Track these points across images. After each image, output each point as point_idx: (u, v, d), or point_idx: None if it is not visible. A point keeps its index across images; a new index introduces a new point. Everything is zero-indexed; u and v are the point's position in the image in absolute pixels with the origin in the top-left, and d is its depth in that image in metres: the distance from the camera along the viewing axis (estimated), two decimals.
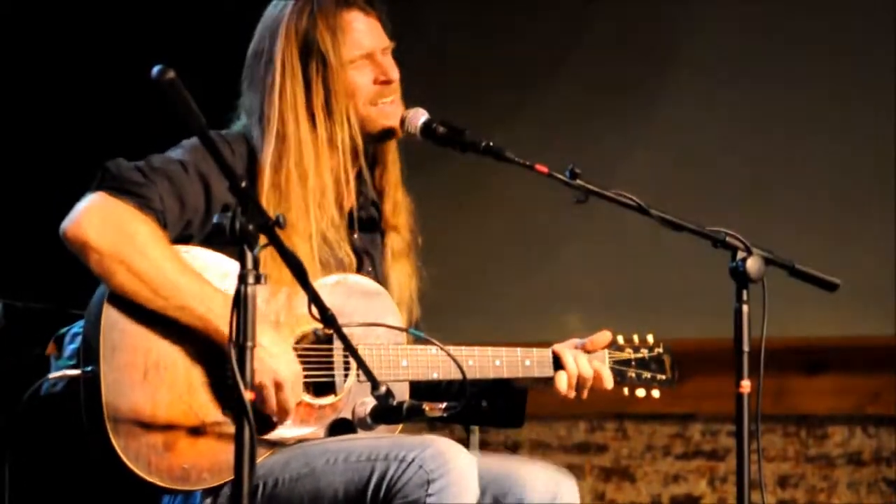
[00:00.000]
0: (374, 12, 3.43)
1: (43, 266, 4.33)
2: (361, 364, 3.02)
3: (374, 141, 3.44)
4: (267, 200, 3.28)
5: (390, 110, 3.41)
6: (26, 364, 3.39)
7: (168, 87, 2.60)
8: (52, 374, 3.16)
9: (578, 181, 3.30)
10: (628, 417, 6.33)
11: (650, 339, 3.66)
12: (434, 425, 5.38)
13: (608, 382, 3.52)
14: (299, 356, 3.22)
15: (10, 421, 3.21)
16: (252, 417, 2.64)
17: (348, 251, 3.40)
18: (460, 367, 3.26)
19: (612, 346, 3.59)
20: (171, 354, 3.13)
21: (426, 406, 3.10)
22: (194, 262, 3.17)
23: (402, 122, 3.41)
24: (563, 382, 3.47)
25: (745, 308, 3.26)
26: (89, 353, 3.09)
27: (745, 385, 3.24)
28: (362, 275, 3.40)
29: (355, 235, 3.45)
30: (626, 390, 3.61)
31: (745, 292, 3.27)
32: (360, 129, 3.39)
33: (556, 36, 6.28)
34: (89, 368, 3.08)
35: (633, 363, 3.61)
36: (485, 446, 4.70)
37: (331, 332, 3.11)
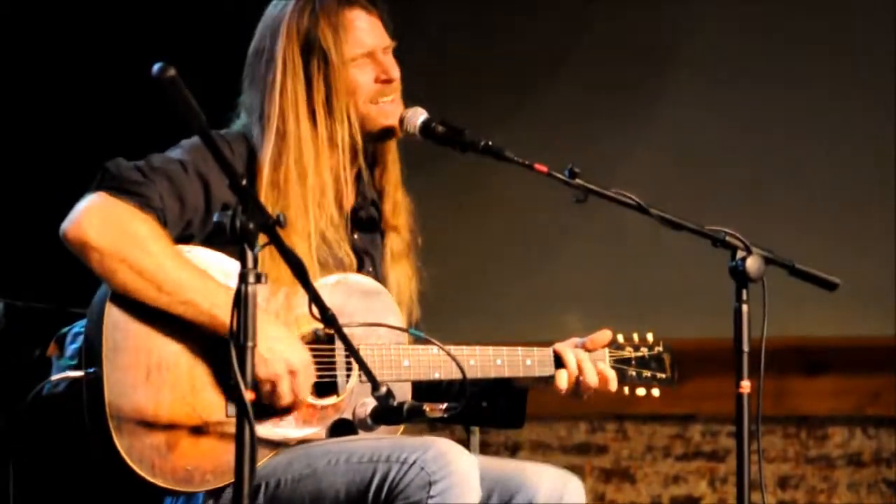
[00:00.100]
0: (375, 11, 3.43)
1: (43, 266, 4.33)
2: (362, 364, 3.02)
3: (374, 140, 3.44)
4: (265, 198, 3.28)
5: (390, 109, 3.41)
6: (27, 364, 3.39)
7: (168, 84, 2.60)
8: (55, 376, 3.16)
9: (578, 181, 3.30)
10: (628, 418, 6.33)
11: (650, 337, 3.65)
12: (435, 426, 5.38)
13: (613, 384, 3.52)
14: None
15: (13, 422, 3.21)
16: (252, 417, 2.64)
17: (348, 251, 3.39)
18: (460, 367, 3.26)
19: (612, 344, 3.59)
20: (174, 354, 3.13)
21: (427, 407, 3.10)
22: (196, 262, 3.17)
23: (402, 121, 3.41)
24: (563, 381, 3.47)
25: (745, 308, 3.26)
26: (92, 354, 3.08)
27: (745, 385, 3.24)
28: (363, 275, 3.40)
29: (355, 235, 3.45)
30: (626, 389, 3.61)
31: (744, 292, 3.27)
32: (360, 128, 3.39)
33: (556, 36, 6.28)
34: (92, 369, 3.07)
35: (633, 362, 3.62)
36: (485, 447, 4.71)
37: (332, 332, 3.11)
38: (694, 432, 6.29)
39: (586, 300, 6.02)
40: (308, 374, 3.18)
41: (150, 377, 3.09)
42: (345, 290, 3.32)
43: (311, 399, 3.24)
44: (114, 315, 3.09)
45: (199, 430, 3.12)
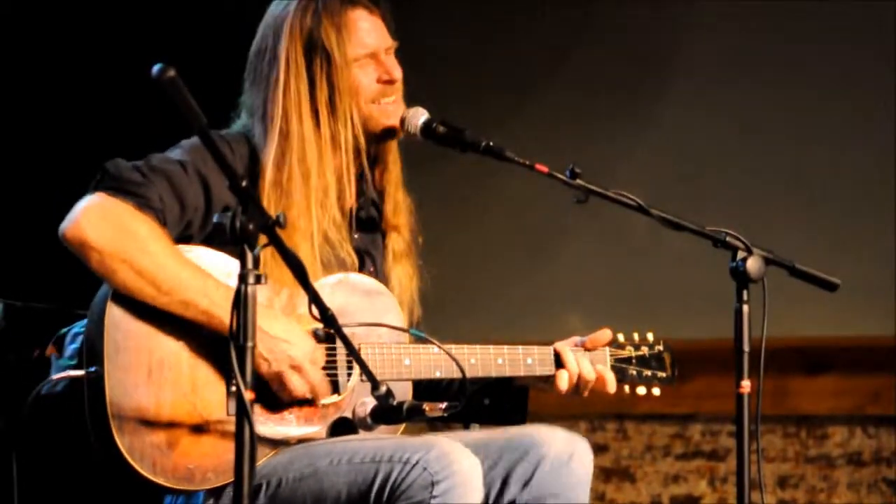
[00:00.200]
0: (377, 11, 3.43)
1: (43, 266, 4.33)
2: (361, 364, 3.02)
3: (376, 140, 3.44)
4: (268, 198, 3.28)
5: (392, 109, 3.41)
6: (26, 364, 3.39)
7: (168, 85, 2.60)
8: (56, 375, 3.16)
9: (579, 181, 3.30)
10: (628, 418, 6.33)
11: (650, 336, 3.66)
12: (435, 425, 5.38)
13: (611, 386, 3.52)
14: None
15: (15, 422, 3.21)
16: (252, 417, 2.64)
17: (350, 251, 3.40)
18: (460, 367, 3.27)
19: (613, 343, 3.59)
20: (175, 353, 3.13)
21: (427, 406, 3.10)
22: (197, 262, 3.17)
23: (403, 121, 3.41)
24: (563, 381, 3.47)
25: (745, 308, 3.26)
26: (93, 354, 3.08)
27: (745, 385, 3.24)
28: (364, 274, 3.40)
29: (356, 235, 3.45)
30: (626, 388, 3.61)
31: (745, 292, 3.27)
32: (362, 128, 3.39)
33: (556, 36, 6.29)
34: (93, 369, 3.07)
35: (633, 361, 3.62)
36: None
37: (332, 331, 3.11)
38: (694, 432, 6.29)
39: (587, 300, 6.03)
40: (313, 366, 3.19)
41: (152, 376, 3.10)
42: (346, 289, 3.33)
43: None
44: (115, 315, 3.09)
45: (200, 429, 3.12)
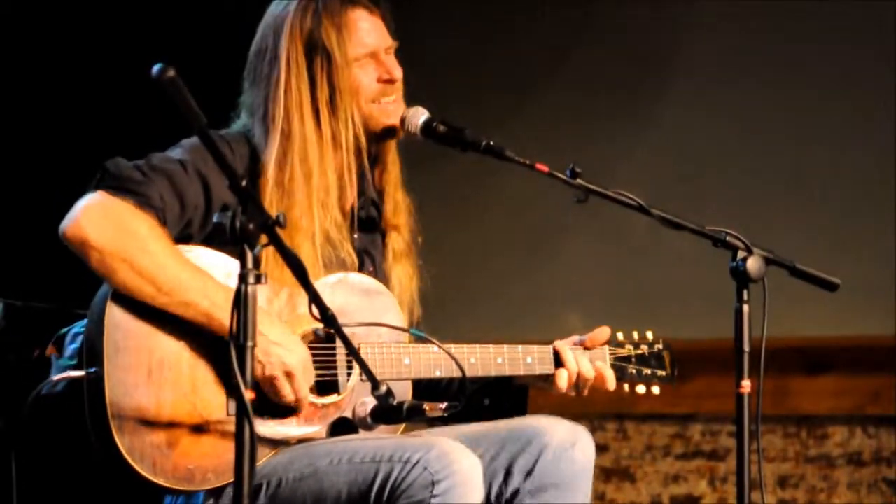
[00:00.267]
0: (378, 11, 3.43)
1: (43, 266, 4.33)
2: (361, 364, 3.02)
3: (377, 139, 3.44)
4: (270, 198, 3.28)
5: (392, 109, 3.41)
6: (26, 364, 3.39)
7: (168, 85, 2.60)
8: (56, 376, 3.16)
9: (579, 180, 3.30)
10: (628, 417, 6.33)
11: (649, 335, 3.66)
12: (434, 425, 5.38)
13: (610, 383, 3.52)
14: None
15: (15, 422, 3.21)
16: (252, 417, 2.64)
17: (350, 251, 3.40)
18: (460, 366, 3.27)
19: (612, 342, 3.59)
20: (175, 353, 3.13)
21: (427, 406, 3.10)
22: (197, 262, 3.17)
23: (403, 120, 3.42)
24: (563, 380, 3.47)
25: (745, 308, 3.26)
26: (93, 354, 3.08)
27: (746, 385, 3.24)
28: (364, 274, 3.40)
29: (355, 235, 3.45)
30: (626, 387, 3.61)
31: (745, 292, 3.27)
32: (363, 127, 3.39)
33: (556, 36, 6.29)
34: (93, 369, 3.07)
35: (632, 359, 3.62)
36: None
37: (332, 331, 3.11)
38: (694, 432, 6.29)
39: (586, 300, 6.03)
40: (306, 375, 3.18)
41: (152, 376, 3.09)
42: (346, 289, 3.33)
43: (312, 398, 3.24)
44: (115, 315, 3.09)
45: (200, 429, 3.12)
